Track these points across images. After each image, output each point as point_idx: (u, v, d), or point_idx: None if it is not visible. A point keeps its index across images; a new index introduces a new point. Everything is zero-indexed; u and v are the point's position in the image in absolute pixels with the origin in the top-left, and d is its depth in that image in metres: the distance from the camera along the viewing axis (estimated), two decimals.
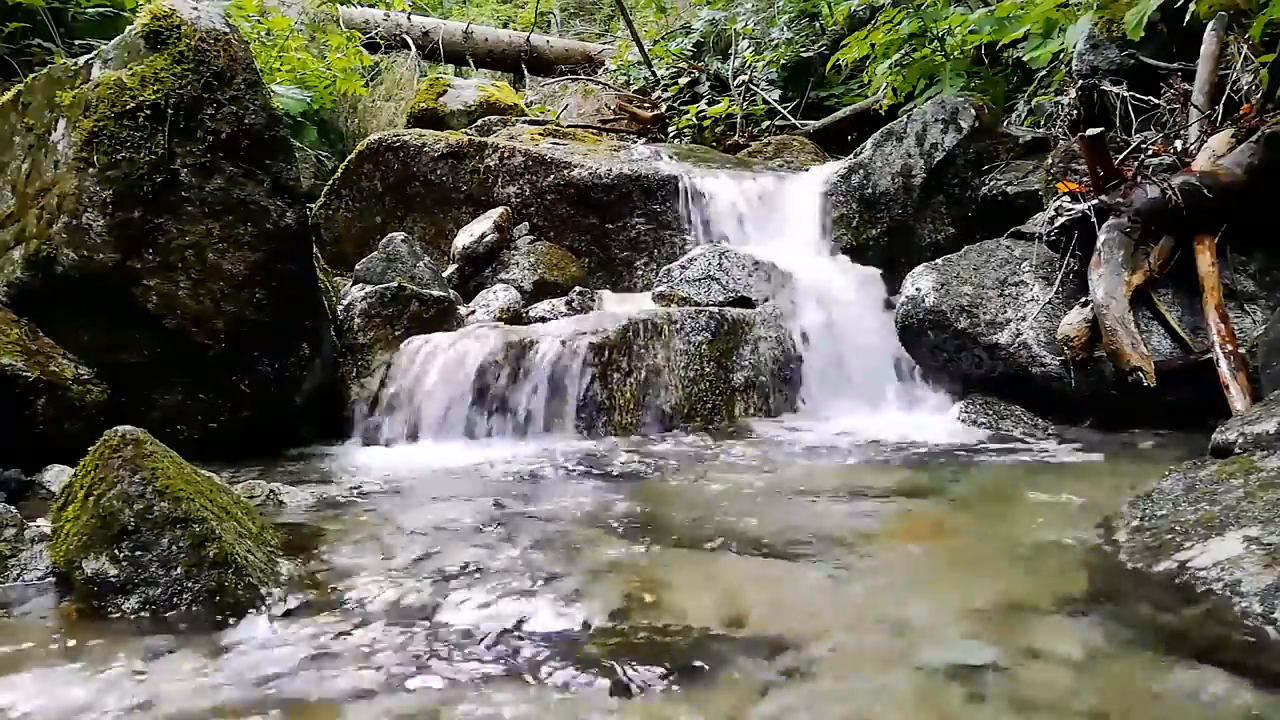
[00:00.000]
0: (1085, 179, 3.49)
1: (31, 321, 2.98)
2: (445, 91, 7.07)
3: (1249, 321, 3.11)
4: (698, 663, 1.47)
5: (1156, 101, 3.87)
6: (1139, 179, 3.32)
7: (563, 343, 3.54)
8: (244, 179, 3.03)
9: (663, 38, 8.58)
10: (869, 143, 4.64)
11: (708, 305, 3.92)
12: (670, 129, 6.98)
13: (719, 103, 6.80)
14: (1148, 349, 3.02)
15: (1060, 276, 3.41)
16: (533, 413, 3.44)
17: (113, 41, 3.05)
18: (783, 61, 7.07)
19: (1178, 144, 3.52)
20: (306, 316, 3.30)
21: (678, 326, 3.72)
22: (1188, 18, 3.60)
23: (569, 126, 6.48)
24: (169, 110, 2.89)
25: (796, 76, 7.04)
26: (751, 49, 7.34)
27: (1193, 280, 3.17)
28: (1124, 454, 2.88)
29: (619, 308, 4.10)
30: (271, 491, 2.55)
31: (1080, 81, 4.00)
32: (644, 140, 6.32)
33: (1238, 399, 2.79)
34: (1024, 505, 2.41)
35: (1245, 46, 3.54)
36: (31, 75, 3.28)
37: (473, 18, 11.06)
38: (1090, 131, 3.30)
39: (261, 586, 1.82)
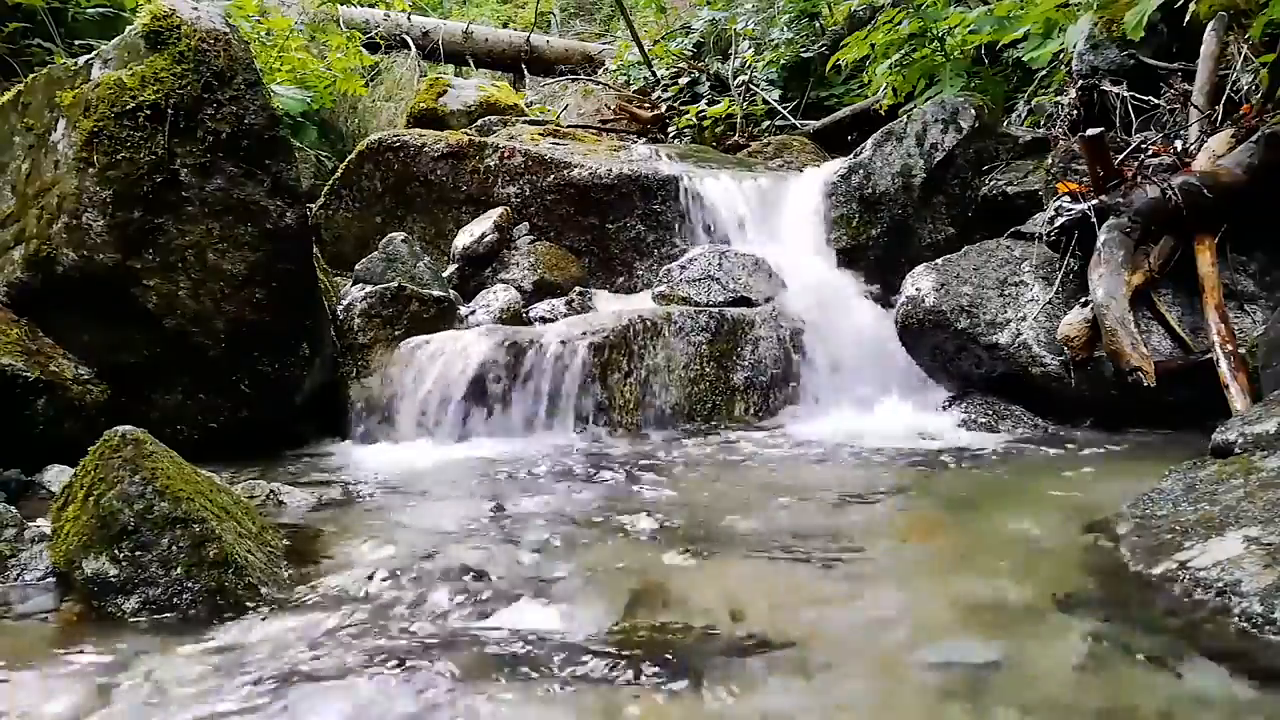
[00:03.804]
0: (1085, 179, 3.49)
1: (31, 321, 2.99)
2: (445, 91, 7.06)
3: (1249, 321, 3.11)
4: (698, 662, 1.47)
5: (1156, 101, 3.87)
6: (1139, 179, 3.31)
7: (563, 343, 3.54)
8: (244, 179, 3.03)
9: (663, 38, 8.57)
10: (869, 143, 4.63)
11: (708, 305, 3.93)
12: (670, 129, 6.97)
13: (719, 103, 6.79)
14: (1148, 349, 3.02)
15: (1060, 276, 3.41)
16: (533, 413, 3.44)
17: (113, 41, 3.05)
18: (783, 61, 7.06)
19: (1178, 144, 3.52)
20: (306, 316, 3.30)
21: (678, 326, 3.72)
22: (1188, 18, 3.60)
23: (569, 126, 6.48)
24: (169, 110, 2.89)
25: (796, 76, 7.03)
26: (751, 49, 7.34)
27: (1193, 280, 3.17)
28: (1124, 454, 2.88)
29: (619, 307, 4.10)
30: (272, 491, 2.55)
31: (1080, 81, 4.01)
32: (644, 140, 6.31)
33: (1238, 399, 2.78)
34: (1024, 505, 2.41)
35: (1245, 46, 3.54)
36: (31, 75, 3.28)
37: (473, 18, 11.05)
38: (1090, 131, 3.30)
39: (262, 587, 1.82)
